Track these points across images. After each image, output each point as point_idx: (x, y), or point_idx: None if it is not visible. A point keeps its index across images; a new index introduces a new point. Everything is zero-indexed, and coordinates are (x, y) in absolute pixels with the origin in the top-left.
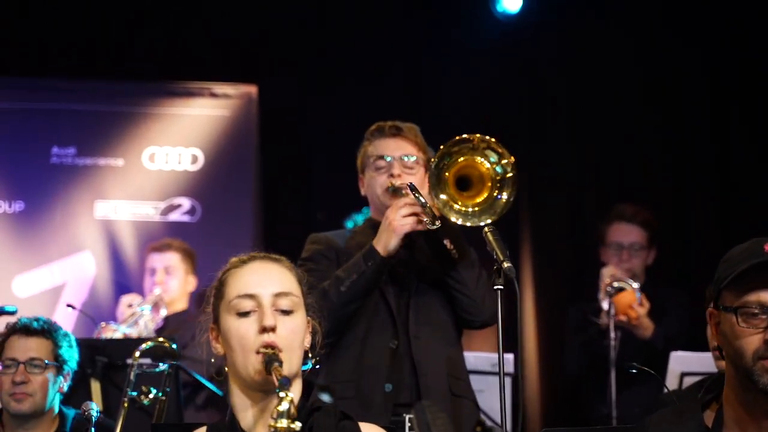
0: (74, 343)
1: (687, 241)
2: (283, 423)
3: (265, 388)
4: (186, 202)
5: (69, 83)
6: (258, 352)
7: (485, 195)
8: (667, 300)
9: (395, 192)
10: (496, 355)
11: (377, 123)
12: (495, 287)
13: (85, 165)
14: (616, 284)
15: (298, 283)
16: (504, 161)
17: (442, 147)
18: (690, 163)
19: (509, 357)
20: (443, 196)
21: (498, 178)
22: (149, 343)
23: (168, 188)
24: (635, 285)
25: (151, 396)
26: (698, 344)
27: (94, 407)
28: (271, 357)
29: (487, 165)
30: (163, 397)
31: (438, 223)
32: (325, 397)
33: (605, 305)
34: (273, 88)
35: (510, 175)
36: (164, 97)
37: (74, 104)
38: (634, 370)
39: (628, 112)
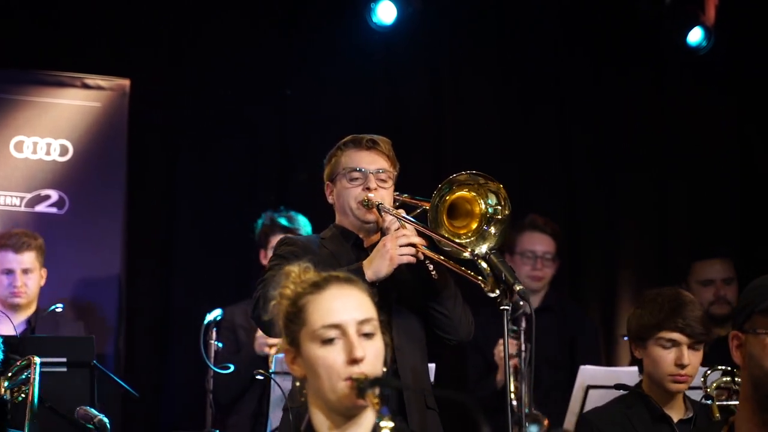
0: None
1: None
2: None
3: (352, 412)
4: (54, 194)
5: None
6: (347, 380)
7: (474, 226)
8: (577, 325)
9: (368, 206)
10: None
11: (352, 135)
12: (501, 308)
13: None
14: None
15: (372, 302)
16: (501, 207)
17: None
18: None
19: (431, 366)
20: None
21: (488, 216)
22: None
23: (35, 179)
24: None
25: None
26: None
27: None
28: (363, 383)
29: (483, 206)
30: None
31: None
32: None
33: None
34: (145, 83)
35: (500, 217)
36: (34, 85)
37: None
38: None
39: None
